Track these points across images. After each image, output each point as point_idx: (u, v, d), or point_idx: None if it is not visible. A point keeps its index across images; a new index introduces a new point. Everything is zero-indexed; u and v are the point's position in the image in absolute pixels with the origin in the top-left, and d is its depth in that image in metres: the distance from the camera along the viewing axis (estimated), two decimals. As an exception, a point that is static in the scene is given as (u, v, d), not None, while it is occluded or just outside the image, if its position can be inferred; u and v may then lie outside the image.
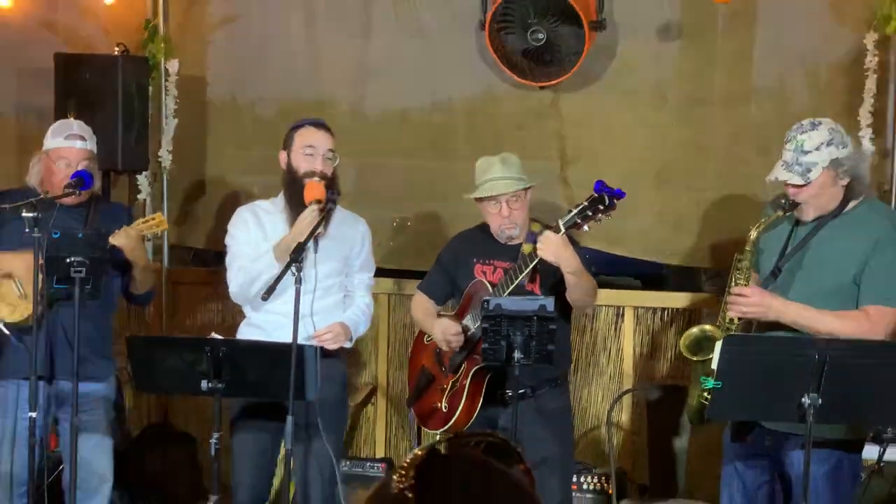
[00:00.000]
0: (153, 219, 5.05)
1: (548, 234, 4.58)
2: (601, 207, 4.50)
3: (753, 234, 4.39)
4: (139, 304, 5.55)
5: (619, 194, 4.50)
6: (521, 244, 4.81)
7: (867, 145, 5.63)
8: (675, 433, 6.04)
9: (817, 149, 4.25)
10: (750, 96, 6.01)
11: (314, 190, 4.74)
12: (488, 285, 4.87)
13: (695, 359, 4.45)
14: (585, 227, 4.58)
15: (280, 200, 5.00)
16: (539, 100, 6.24)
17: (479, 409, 4.82)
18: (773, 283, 4.41)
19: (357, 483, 5.90)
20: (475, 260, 5.01)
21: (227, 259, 5.06)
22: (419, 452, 1.62)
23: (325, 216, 4.70)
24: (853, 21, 5.75)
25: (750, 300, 4.29)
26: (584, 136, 6.23)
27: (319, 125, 4.98)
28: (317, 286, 4.67)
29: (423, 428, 5.17)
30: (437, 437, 4.99)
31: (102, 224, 4.96)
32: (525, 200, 4.91)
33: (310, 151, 4.87)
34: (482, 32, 5.96)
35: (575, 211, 4.55)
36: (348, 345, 4.98)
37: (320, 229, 4.64)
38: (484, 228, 5.03)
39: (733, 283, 4.39)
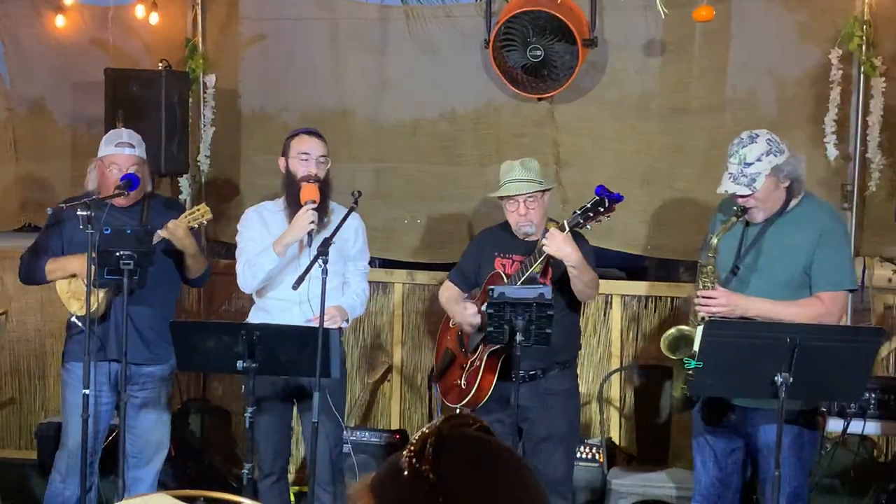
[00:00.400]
0: (198, 209, 5.05)
1: (553, 230, 4.61)
2: (601, 209, 4.52)
3: (715, 240, 4.40)
4: (196, 286, 5.60)
5: (618, 198, 4.52)
6: (537, 240, 4.79)
7: (832, 151, 5.62)
8: (659, 408, 6.04)
9: (758, 159, 4.28)
10: (725, 106, 6.00)
11: (309, 191, 4.85)
12: (504, 277, 4.88)
13: (674, 357, 4.45)
14: (588, 227, 4.59)
15: (282, 201, 5.08)
16: (537, 110, 6.22)
17: (493, 387, 4.82)
18: (733, 280, 4.43)
19: (374, 451, 5.90)
20: (496, 253, 5.02)
21: (237, 254, 5.15)
22: (424, 431, 1.54)
23: (320, 213, 4.86)
24: (818, 38, 5.74)
25: (718, 301, 4.32)
26: (576, 143, 6.22)
27: (312, 133, 5.06)
28: (312, 274, 4.67)
29: (444, 402, 5.15)
30: (440, 415, 5.01)
31: (157, 219, 4.97)
32: (542, 201, 4.92)
33: (304, 157, 4.95)
34: (486, 50, 5.95)
35: (579, 212, 4.57)
36: (345, 325, 5.03)
37: (313, 225, 4.76)
38: (505, 226, 5.04)
39: (700, 287, 4.40)
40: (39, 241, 5.19)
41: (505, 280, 4.86)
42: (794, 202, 4.40)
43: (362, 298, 5.12)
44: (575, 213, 4.60)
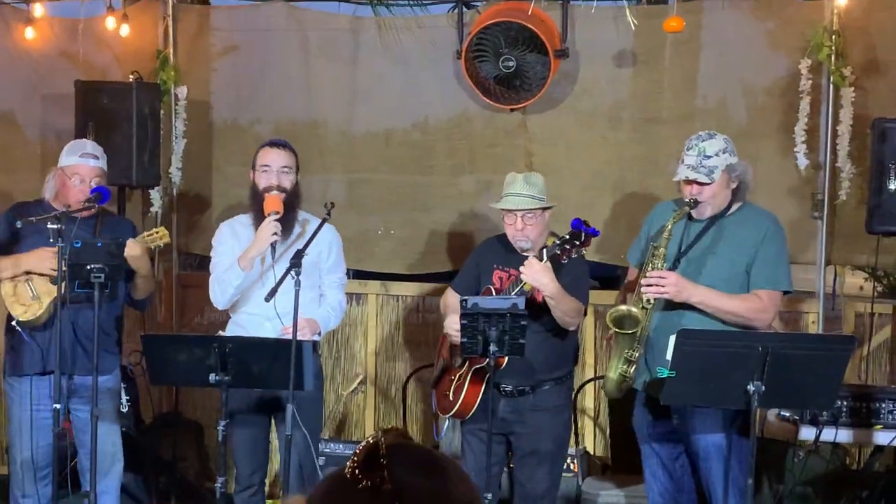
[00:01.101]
0: (156, 232, 5.02)
1: (532, 259, 4.59)
2: (577, 243, 4.54)
3: (669, 224, 4.51)
4: (138, 308, 5.46)
5: (594, 233, 4.57)
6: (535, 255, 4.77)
7: (802, 160, 5.65)
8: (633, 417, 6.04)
9: (717, 154, 4.45)
10: (695, 115, 6.02)
11: (271, 203, 4.82)
12: (493, 292, 4.86)
13: (618, 330, 4.52)
14: (564, 259, 4.57)
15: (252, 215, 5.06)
16: (509, 121, 6.23)
17: (478, 401, 4.79)
18: (674, 271, 4.50)
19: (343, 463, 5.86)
20: (495, 266, 4.99)
21: (210, 269, 5.12)
22: (368, 441, 1.57)
23: (284, 224, 4.83)
24: (788, 49, 5.78)
25: (668, 281, 4.40)
26: (549, 153, 6.23)
27: (275, 144, 5.04)
28: (283, 289, 4.64)
29: (437, 410, 5.13)
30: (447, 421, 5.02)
31: (109, 234, 4.91)
32: (541, 218, 4.85)
33: (265, 169, 4.94)
34: (459, 60, 5.94)
35: (556, 244, 4.56)
36: (317, 338, 4.97)
37: (277, 237, 4.73)
38: (507, 238, 4.97)
39: (650, 268, 4.48)
40: None
41: (494, 295, 4.83)
42: (735, 206, 4.54)
43: (337, 311, 5.08)
44: (554, 243, 4.59)
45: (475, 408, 4.82)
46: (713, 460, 4.44)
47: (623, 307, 4.54)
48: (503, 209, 4.88)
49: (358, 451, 1.55)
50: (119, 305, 5.19)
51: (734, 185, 4.50)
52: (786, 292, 4.58)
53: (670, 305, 4.49)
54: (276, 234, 4.74)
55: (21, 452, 4.99)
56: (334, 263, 5.08)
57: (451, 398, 4.91)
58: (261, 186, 4.93)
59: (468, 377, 4.84)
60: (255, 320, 4.88)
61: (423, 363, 6.23)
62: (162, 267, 6.66)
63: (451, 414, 4.90)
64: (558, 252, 4.55)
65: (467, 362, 4.85)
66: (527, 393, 4.85)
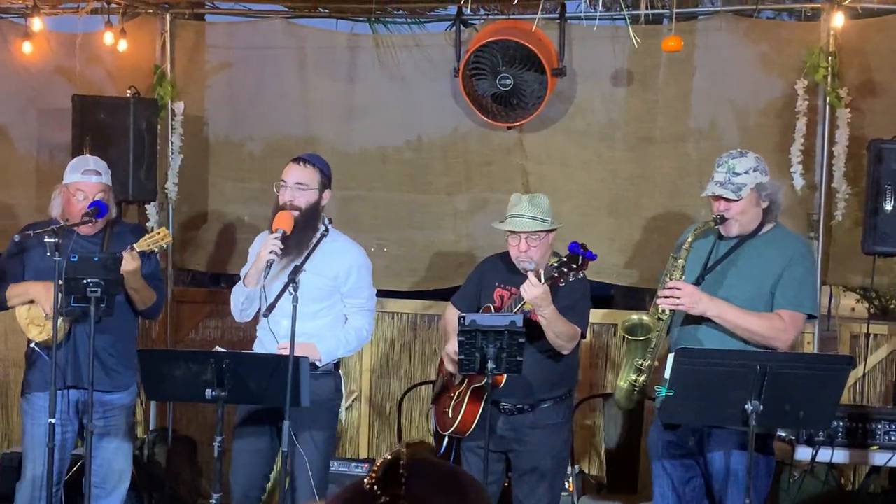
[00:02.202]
0: (158, 233, 4.99)
1: (532, 279, 4.54)
2: (574, 266, 4.50)
3: (690, 236, 4.48)
4: (147, 317, 5.46)
5: (591, 257, 4.53)
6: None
7: (798, 180, 5.66)
8: (629, 436, 6.03)
9: (746, 172, 4.39)
10: (688, 136, 6.04)
11: (278, 220, 4.69)
12: (493, 310, 4.84)
13: (630, 337, 4.49)
14: (561, 283, 4.55)
15: None
16: (506, 138, 6.23)
17: (477, 419, 4.77)
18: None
19: (342, 481, 5.82)
20: (497, 283, 4.95)
21: None
22: (387, 457, 1.57)
23: (295, 243, 4.69)
24: (782, 69, 5.80)
25: (683, 292, 4.35)
26: (545, 171, 6.23)
27: (297, 160, 4.86)
28: (274, 308, 4.65)
29: (437, 426, 5.09)
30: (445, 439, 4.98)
31: (120, 247, 4.89)
32: (545, 239, 4.81)
33: (283, 184, 4.79)
34: (456, 78, 5.94)
35: (554, 266, 4.53)
36: (319, 364, 4.76)
37: (275, 255, 4.58)
38: (509, 255, 4.92)
39: (668, 278, 4.44)
40: (0, 266, 5.10)
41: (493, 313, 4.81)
42: (767, 227, 4.47)
43: (352, 337, 4.87)
44: (552, 265, 4.56)
45: (474, 425, 4.80)
46: (729, 482, 4.39)
47: (635, 316, 4.54)
48: (507, 230, 4.85)
49: (378, 465, 1.54)
50: (135, 321, 5.19)
51: (764, 205, 4.43)
52: (810, 316, 4.51)
53: (689, 320, 4.46)
54: (273, 252, 4.59)
55: (33, 468, 4.97)
56: (354, 287, 4.88)
57: (450, 415, 4.88)
58: (280, 202, 4.79)
59: (467, 395, 4.82)
60: (264, 335, 4.82)
61: (419, 381, 6.21)
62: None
63: (450, 431, 4.87)
64: (555, 275, 4.52)
65: (466, 380, 4.83)
66: (526, 411, 4.82)
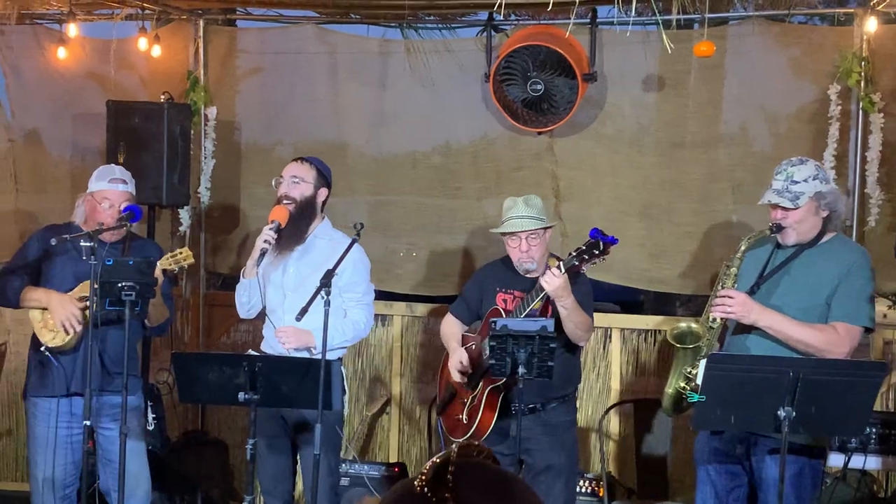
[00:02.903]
0: (180, 253, 4.99)
1: (553, 270, 4.60)
2: (596, 252, 4.53)
3: (744, 244, 4.42)
4: (153, 334, 5.48)
5: (612, 241, 4.53)
6: (538, 277, 4.78)
7: (831, 186, 5.63)
8: (659, 441, 6.01)
9: (805, 180, 4.31)
10: (719, 141, 6.02)
11: (275, 212, 4.91)
12: (503, 312, 4.86)
13: (679, 346, 4.45)
14: (583, 269, 4.58)
15: None
16: (536, 144, 6.23)
17: (493, 423, 4.80)
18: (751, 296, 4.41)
19: (373, 484, 5.84)
20: (498, 288, 5.01)
21: None
22: (436, 460, 1.56)
23: (289, 234, 4.88)
24: (814, 74, 5.77)
25: (735, 301, 4.31)
26: (576, 177, 6.23)
27: (296, 159, 5.11)
28: (287, 304, 4.82)
29: (449, 436, 5.11)
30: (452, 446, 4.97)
31: (137, 257, 4.88)
32: (544, 238, 4.91)
33: (280, 180, 5.01)
34: (486, 84, 5.95)
35: (574, 254, 4.57)
36: (315, 353, 4.77)
37: (267, 245, 4.80)
38: (507, 260, 5.03)
39: (720, 287, 4.40)
40: (20, 263, 5.06)
41: (503, 316, 4.84)
42: (827, 236, 4.40)
43: (347, 328, 4.94)
44: (571, 254, 4.60)
45: (490, 429, 4.82)
46: (774, 491, 4.33)
47: (683, 323, 4.50)
48: (506, 233, 4.89)
49: (428, 467, 1.54)
50: (140, 328, 5.18)
51: (824, 214, 4.35)
52: (867, 330, 4.40)
53: (740, 329, 4.41)
54: (266, 241, 4.79)
55: (44, 471, 4.99)
56: (350, 281, 4.95)
57: (465, 421, 4.89)
58: (277, 196, 5.00)
59: (484, 397, 4.82)
60: (270, 332, 5.01)
61: (448, 385, 6.21)
62: (189, 286, 6.68)
63: (465, 437, 4.88)
64: (577, 263, 4.55)
65: (481, 383, 4.85)
66: (537, 411, 4.85)
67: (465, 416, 4.90)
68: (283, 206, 4.91)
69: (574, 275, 4.66)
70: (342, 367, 5.05)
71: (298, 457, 5.09)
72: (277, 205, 4.92)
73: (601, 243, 4.51)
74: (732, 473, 4.51)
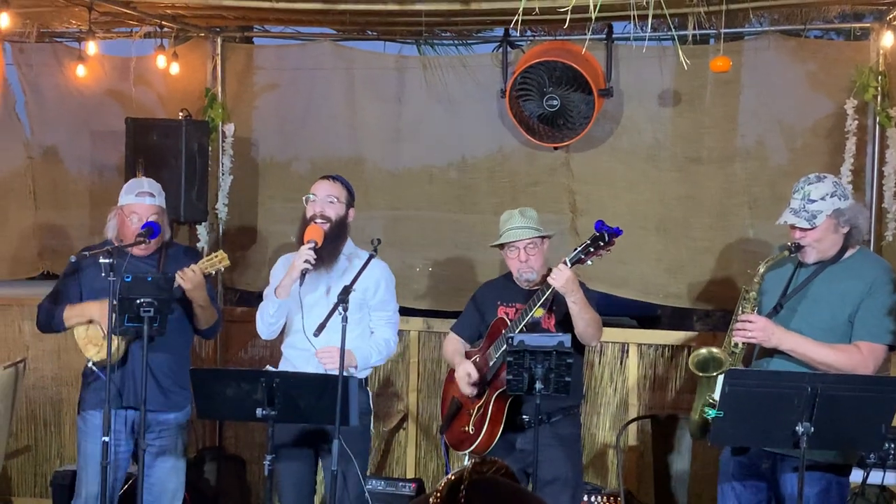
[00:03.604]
0: (216, 256, 5.02)
1: (560, 266, 4.64)
2: (601, 244, 4.54)
3: (762, 268, 4.39)
4: (205, 337, 5.53)
5: (617, 232, 4.54)
6: (538, 288, 4.80)
7: (848, 200, 5.62)
8: (677, 457, 5.99)
9: (822, 198, 4.26)
10: (736, 156, 6.02)
11: (310, 232, 4.79)
12: (507, 320, 4.90)
13: (701, 374, 4.42)
14: (588, 262, 4.61)
15: None
16: (552, 159, 6.25)
17: (500, 432, 4.80)
18: (774, 317, 4.38)
19: (390, 500, 5.84)
20: (499, 303, 5.04)
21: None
22: (451, 478, 1.58)
23: (325, 254, 4.75)
24: (831, 89, 5.77)
25: (756, 325, 4.28)
26: (592, 192, 6.24)
27: (326, 177, 5.00)
28: (306, 317, 4.70)
29: (453, 452, 5.11)
30: (466, 459, 4.98)
31: (174, 268, 4.95)
32: (541, 248, 4.96)
33: (312, 199, 4.90)
34: (502, 99, 5.97)
35: (579, 248, 4.60)
36: (354, 371, 4.84)
37: (309, 266, 4.67)
38: (507, 276, 5.08)
39: (740, 311, 4.38)
40: (58, 289, 5.17)
41: (508, 323, 4.86)
42: (849, 252, 4.36)
43: (381, 348, 4.99)
44: (576, 249, 4.62)
45: (497, 440, 4.81)
46: None
47: (703, 350, 4.44)
48: (505, 245, 4.92)
49: (443, 484, 1.55)
50: (190, 341, 5.24)
51: (844, 230, 4.29)
52: (891, 347, 4.32)
53: (764, 351, 4.37)
54: (307, 261, 4.69)
55: (87, 486, 5.01)
56: (382, 300, 4.99)
57: (471, 432, 4.90)
58: (308, 216, 4.90)
59: (490, 404, 4.82)
60: (302, 356, 4.86)
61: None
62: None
63: (471, 449, 4.88)
64: (583, 256, 4.58)
65: (487, 390, 4.86)
66: (543, 422, 4.82)
67: (471, 427, 4.91)
68: (318, 225, 4.82)
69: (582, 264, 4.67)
70: (368, 388, 5.03)
71: (321, 468, 5.07)
72: (311, 224, 4.82)
73: (606, 235, 4.53)
74: (757, 488, 4.49)
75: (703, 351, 4.43)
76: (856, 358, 4.24)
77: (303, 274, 4.67)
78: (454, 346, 5.20)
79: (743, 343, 4.35)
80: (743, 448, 4.46)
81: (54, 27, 6.63)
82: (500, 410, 4.81)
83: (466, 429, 4.93)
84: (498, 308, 5.02)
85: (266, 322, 4.95)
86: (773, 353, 4.34)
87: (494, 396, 4.82)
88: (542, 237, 4.95)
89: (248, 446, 6.67)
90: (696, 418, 4.48)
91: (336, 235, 4.85)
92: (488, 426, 4.82)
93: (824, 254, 4.34)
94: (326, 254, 4.79)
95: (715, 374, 4.35)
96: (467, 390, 4.93)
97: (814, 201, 4.27)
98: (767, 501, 4.49)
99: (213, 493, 6.32)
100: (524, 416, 4.73)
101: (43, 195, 6.95)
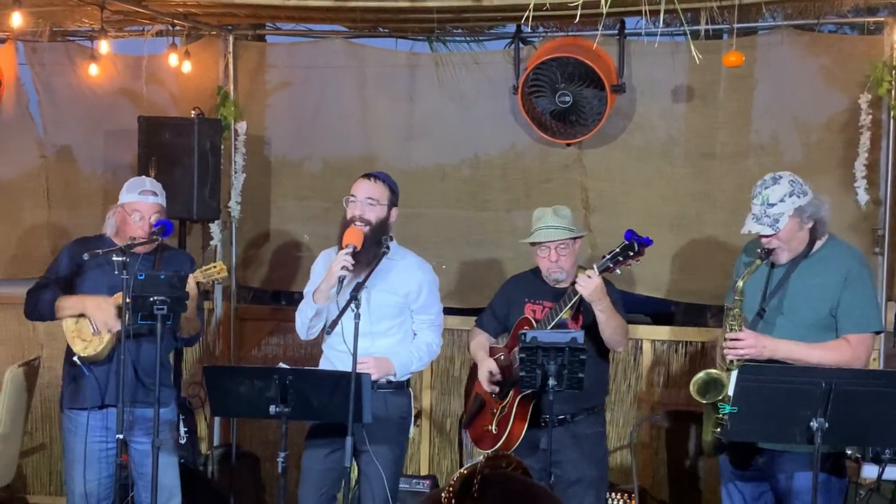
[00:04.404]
0: (214, 267, 5.01)
1: (588, 272, 4.62)
2: (630, 253, 4.54)
3: (740, 283, 4.39)
4: (185, 344, 5.49)
5: (647, 242, 4.54)
6: (567, 287, 4.79)
7: (862, 195, 5.61)
8: (691, 454, 5.99)
9: (781, 200, 4.30)
10: (749, 151, 6.01)
11: (349, 235, 4.66)
12: (532, 322, 4.86)
13: (703, 401, 4.41)
14: (617, 271, 4.61)
15: None
16: (565, 156, 6.24)
17: (523, 433, 4.80)
18: (760, 322, 4.42)
19: (404, 498, 5.85)
20: (526, 299, 5.01)
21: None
22: (464, 472, 1.58)
23: (364, 258, 4.61)
24: (845, 84, 5.75)
25: (745, 342, 4.31)
26: (605, 188, 6.23)
27: (367, 176, 4.85)
28: (338, 320, 4.56)
29: (475, 448, 5.11)
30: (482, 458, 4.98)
31: (168, 269, 4.91)
32: (573, 248, 4.92)
33: (352, 199, 4.78)
34: (515, 96, 5.97)
35: (608, 256, 4.59)
36: (394, 378, 4.80)
37: (347, 271, 4.54)
38: (536, 272, 5.05)
39: (727, 329, 4.38)
40: (52, 277, 5.11)
41: (534, 325, 4.85)
42: (818, 244, 4.41)
43: (423, 353, 4.89)
44: (604, 257, 4.62)
45: (520, 440, 4.81)
46: (799, 502, 4.35)
47: (702, 374, 4.40)
48: (535, 243, 4.89)
49: (457, 477, 1.56)
50: (173, 341, 5.22)
51: (809, 226, 4.35)
52: (877, 332, 4.43)
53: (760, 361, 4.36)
54: (345, 267, 4.54)
55: (79, 484, 5.01)
56: (424, 304, 4.87)
57: (494, 432, 4.89)
58: (347, 216, 4.78)
59: (514, 407, 4.82)
60: (341, 357, 4.69)
61: (479, 397, 6.22)
62: (220, 300, 6.72)
63: (493, 449, 4.86)
64: (611, 265, 4.56)
65: (511, 392, 4.85)
66: (567, 422, 4.84)
67: (494, 427, 4.91)
68: (358, 227, 4.68)
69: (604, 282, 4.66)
70: (410, 389, 4.96)
71: (356, 462, 4.97)
72: (350, 226, 4.69)
73: (636, 244, 4.52)
74: (758, 483, 4.53)
75: (702, 374, 4.40)
76: (847, 353, 4.30)
77: (340, 280, 4.53)
78: (478, 340, 5.17)
79: (737, 360, 4.33)
80: (741, 455, 4.47)
81: (67, 26, 6.65)
82: (524, 413, 4.80)
83: (489, 428, 4.93)
84: (525, 305, 5.01)
85: (304, 324, 4.86)
86: (770, 361, 4.33)
87: (518, 399, 4.81)
88: (575, 238, 4.91)
89: (262, 443, 6.69)
90: (708, 438, 4.50)
91: (375, 239, 4.70)
92: (512, 427, 4.83)
93: (795, 251, 4.39)
94: (365, 258, 4.65)
95: (718, 399, 4.34)
96: (489, 388, 4.93)
97: (773, 205, 4.30)
98: (768, 491, 4.52)
99: (227, 491, 6.33)
100: (546, 417, 4.73)
101: (56, 194, 6.98)
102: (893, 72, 5.52)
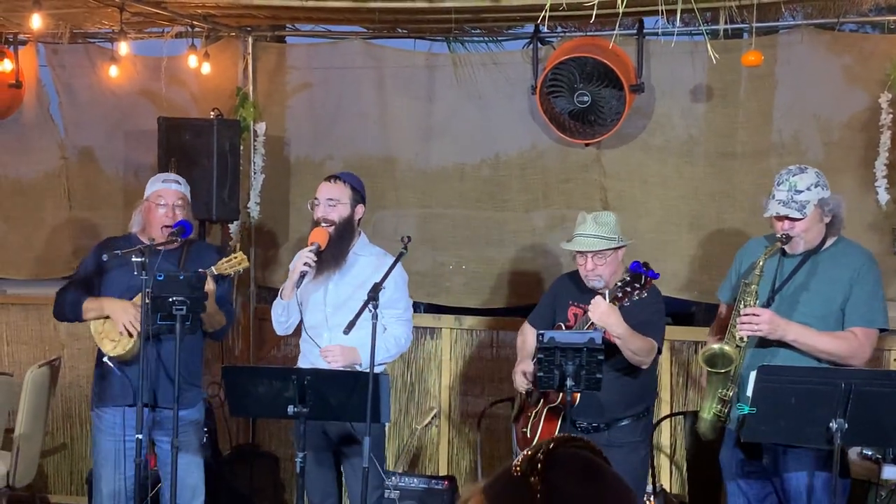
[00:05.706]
0: (235, 257, 5.07)
1: (598, 300, 4.57)
2: (637, 286, 4.50)
3: (761, 261, 4.43)
4: (212, 339, 5.52)
5: (654, 276, 4.51)
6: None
7: (883, 195, 5.59)
8: (711, 454, 5.97)
9: (808, 189, 4.35)
10: (770, 151, 5.99)
11: (314, 235, 4.87)
12: (563, 328, 4.87)
13: (711, 370, 4.45)
14: (626, 302, 4.54)
15: None
16: (584, 156, 6.24)
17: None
18: (770, 308, 4.42)
19: (422, 497, 5.86)
20: (570, 301, 4.99)
21: None
22: (531, 448, 1.63)
23: (331, 256, 4.84)
24: (866, 83, 5.73)
25: (762, 318, 4.32)
26: (624, 188, 6.23)
27: (328, 178, 5.03)
28: (329, 321, 4.84)
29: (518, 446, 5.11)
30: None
31: (196, 264, 4.98)
32: (613, 257, 4.81)
33: (316, 202, 4.95)
34: (533, 96, 5.97)
35: (619, 285, 4.55)
36: (359, 367, 4.85)
37: (308, 268, 4.76)
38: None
39: (743, 305, 4.40)
40: (78, 278, 5.18)
41: (564, 330, 4.83)
42: (829, 241, 4.45)
43: (391, 345, 4.97)
44: (616, 284, 4.58)
45: None
46: (805, 501, 4.35)
47: (715, 346, 4.46)
48: (573, 250, 4.88)
49: (526, 454, 1.60)
50: (202, 340, 5.27)
51: (827, 220, 4.40)
52: (881, 330, 4.46)
53: (763, 343, 4.42)
54: (307, 264, 4.76)
55: (107, 484, 5.06)
56: (391, 298, 4.93)
57: (528, 435, 4.90)
58: (314, 219, 4.96)
59: (543, 413, 4.83)
60: (313, 351, 4.96)
61: (498, 397, 6.24)
62: (239, 300, 6.76)
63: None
64: (619, 295, 4.53)
65: (541, 400, 4.85)
66: (602, 430, 4.82)
67: (528, 430, 4.92)
68: (323, 228, 4.88)
69: (649, 296, 4.61)
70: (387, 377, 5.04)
71: (342, 470, 5.11)
72: (316, 227, 4.89)
73: (643, 277, 4.49)
74: (762, 482, 4.55)
75: (715, 346, 4.45)
76: (854, 344, 4.34)
77: (301, 276, 4.76)
78: (524, 337, 5.16)
79: (748, 336, 4.38)
80: (746, 450, 4.49)
81: (86, 28, 6.71)
82: (553, 421, 4.77)
83: (525, 430, 4.94)
84: (569, 307, 4.99)
85: (276, 320, 5.09)
86: (776, 344, 4.38)
87: (547, 408, 4.81)
88: (616, 248, 4.82)
89: (281, 444, 6.72)
90: (708, 416, 4.49)
91: (340, 238, 4.90)
92: (541, 434, 4.82)
93: (810, 244, 4.43)
94: (331, 255, 4.86)
95: (724, 370, 4.39)
96: (519, 386, 4.93)
97: (801, 192, 4.34)
98: (773, 492, 4.52)
99: (247, 491, 6.37)
100: (579, 424, 4.74)
101: (77, 195, 7.04)
102: (913, 71, 5.50)
